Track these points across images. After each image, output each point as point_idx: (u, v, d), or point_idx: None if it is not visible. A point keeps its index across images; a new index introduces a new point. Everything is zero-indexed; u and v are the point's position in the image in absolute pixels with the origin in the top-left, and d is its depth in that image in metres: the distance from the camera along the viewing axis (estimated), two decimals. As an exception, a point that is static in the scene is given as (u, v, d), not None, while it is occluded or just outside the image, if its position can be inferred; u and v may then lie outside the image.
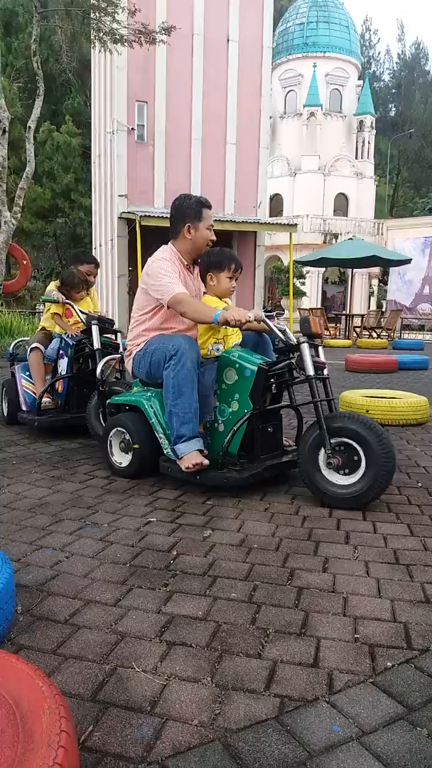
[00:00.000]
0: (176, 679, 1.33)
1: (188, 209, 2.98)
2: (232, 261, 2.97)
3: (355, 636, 1.51)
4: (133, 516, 2.40)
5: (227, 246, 16.04)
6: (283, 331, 2.74)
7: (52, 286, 4.29)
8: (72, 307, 4.00)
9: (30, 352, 4.17)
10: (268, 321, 2.72)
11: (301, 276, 22.47)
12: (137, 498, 2.66)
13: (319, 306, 21.82)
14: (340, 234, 29.00)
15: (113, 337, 4.01)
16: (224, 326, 2.70)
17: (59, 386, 4.05)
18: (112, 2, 10.87)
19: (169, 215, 3.11)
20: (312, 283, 27.80)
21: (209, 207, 3.04)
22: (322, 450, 2.52)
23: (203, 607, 1.65)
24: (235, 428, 2.68)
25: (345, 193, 32.35)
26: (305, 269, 23.12)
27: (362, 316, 17.41)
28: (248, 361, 2.73)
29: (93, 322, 3.75)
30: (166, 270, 2.90)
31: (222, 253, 3.00)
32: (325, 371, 2.75)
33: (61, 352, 4.06)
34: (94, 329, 3.73)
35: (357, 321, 17.14)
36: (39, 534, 2.20)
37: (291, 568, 1.91)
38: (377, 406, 4.32)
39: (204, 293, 3.07)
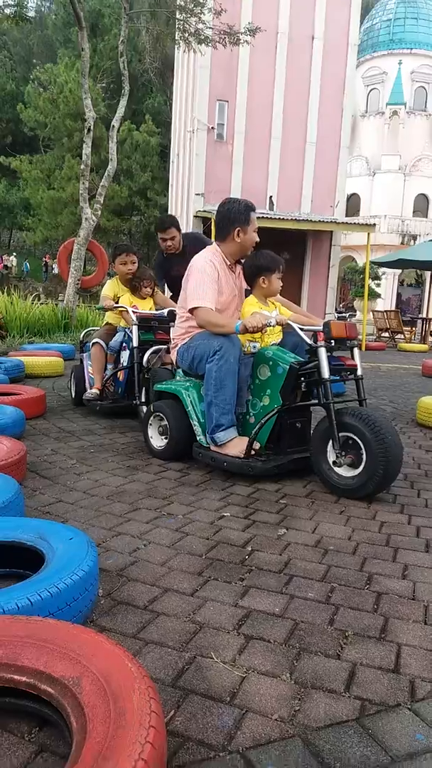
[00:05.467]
0: (255, 672, 1.34)
1: (238, 213, 3.11)
2: (280, 263, 3.18)
3: (438, 646, 1.47)
4: (207, 509, 2.43)
5: (301, 245, 15.88)
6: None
7: (107, 288, 4.58)
8: (126, 309, 4.23)
9: (92, 346, 4.51)
10: (293, 324, 2.88)
11: (377, 277, 21.94)
12: (210, 492, 2.68)
13: (393, 308, 21.23)
14: (419, 235, 28.14)
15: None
16: (245, 333, 2.83)
17: (120, 375, 4.37)
18: (198, 3, 10.98)
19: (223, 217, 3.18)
20: (387, 285, 27.11)
21: (255, 211, 3.20)
22: (330, 442, 2.67)
23: (280, 604, 1.65)
24: (263, 421, 2.83)
25: (426, 194, 31.32)
26: (381, 270, 22.59)
27: (439, 320, 16.82)
28: (281, 360, 2.89)
29: (134, 323, 4.08)
30: (203, 277, 3.02)
31: (269, 257, 3.17)
32: (359, 372, 2.91)
33: (124, 345, 4.36)
34: (134, 329, 4.08)
35: (434, 325, 16.58)
36: (117, 521, 2.26)
37: (369, 573, 1.87)
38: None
39: (247, 290, 3.27)
